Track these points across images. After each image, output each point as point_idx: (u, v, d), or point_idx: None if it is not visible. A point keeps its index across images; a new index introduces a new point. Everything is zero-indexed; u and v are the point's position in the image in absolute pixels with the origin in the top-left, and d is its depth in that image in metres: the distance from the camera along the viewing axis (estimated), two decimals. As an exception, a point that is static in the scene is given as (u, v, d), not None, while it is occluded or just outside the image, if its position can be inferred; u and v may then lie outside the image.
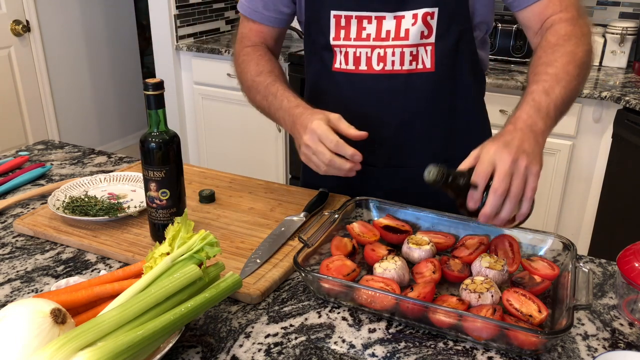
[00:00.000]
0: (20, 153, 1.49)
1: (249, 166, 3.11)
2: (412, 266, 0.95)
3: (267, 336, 0.82)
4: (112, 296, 0.77)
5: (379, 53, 1.13)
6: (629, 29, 2.54)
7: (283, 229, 1.07)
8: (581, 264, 0.88)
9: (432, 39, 1.11)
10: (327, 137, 1.00)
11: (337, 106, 1.12)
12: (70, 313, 0.72)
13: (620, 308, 0.88)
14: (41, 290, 0.92)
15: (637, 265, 0.84)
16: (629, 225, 2.21)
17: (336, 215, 1.03)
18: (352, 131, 1.02)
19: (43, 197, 1.24)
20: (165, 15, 3.01)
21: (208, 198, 1.20)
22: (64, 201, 1.15)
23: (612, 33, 2.57)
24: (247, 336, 0.82)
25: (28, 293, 0.91)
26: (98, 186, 1.25)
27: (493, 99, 2.45)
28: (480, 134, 1.25)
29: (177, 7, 3.03)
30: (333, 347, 0.80)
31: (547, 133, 0.94)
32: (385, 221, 1.05)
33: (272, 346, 0.80)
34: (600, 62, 2.66)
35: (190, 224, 0.82)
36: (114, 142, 4.06)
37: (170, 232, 0.81)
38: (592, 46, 1.07)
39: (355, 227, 1.04)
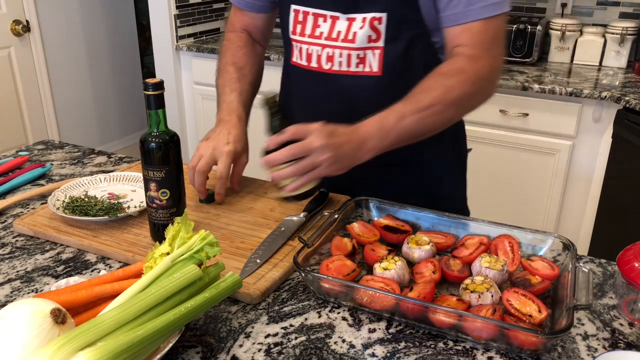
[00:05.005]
0: (20, 153, 1.49)
1: (248, 166, 3.10)
2: (412, 266, 0.95)
3: (267, 336, 0.82)
4: (112, 296, 0.77)
5: (327, 52, 1.15)
6: (629, 29, 2.54)
7: (283, 229, 1.07)
8: (581, 264, 0.88)
9: (380, 43, 1.12)
10: (196, 166, 1.14)
11: (296, 99, 1.22)
12: (70, 313, 0.72)
13: (620, 308, 0.88)
14: (41, 290, 0.92)
15: (637, 265, 0.84)
16: (629, 225, 2.21)
17: (336, 215, 1.03)
18: (219, 183, 1.17)
19: (43, 197, 1.24)
20: (165, 15, 3.01)
21: (208, 198, 1.20)
22: (64, 201, 1.15)
23: (612, 33, 2.57)
24: (247, 336, 0.82)
25: (28, 293, 0.91)
26: (98, 186, 1.25)
27: (493, 98, 2.44)
28: (441, 141, 1.20)
29: (177, 7, 3.03)
30: (333, 347, 0.80)
31: (377, 152, 1.03)
32: (385, 221, 1.05)
33: (272, 346, 0.80)
34: (600, 62, 2.66)
35: (190, 224, 0.82)
36: (114, 142, 4.06)
37: (170, 232, 0.81)
38: (486, 88, 1.10)
39: (355, 227, 1.04)
